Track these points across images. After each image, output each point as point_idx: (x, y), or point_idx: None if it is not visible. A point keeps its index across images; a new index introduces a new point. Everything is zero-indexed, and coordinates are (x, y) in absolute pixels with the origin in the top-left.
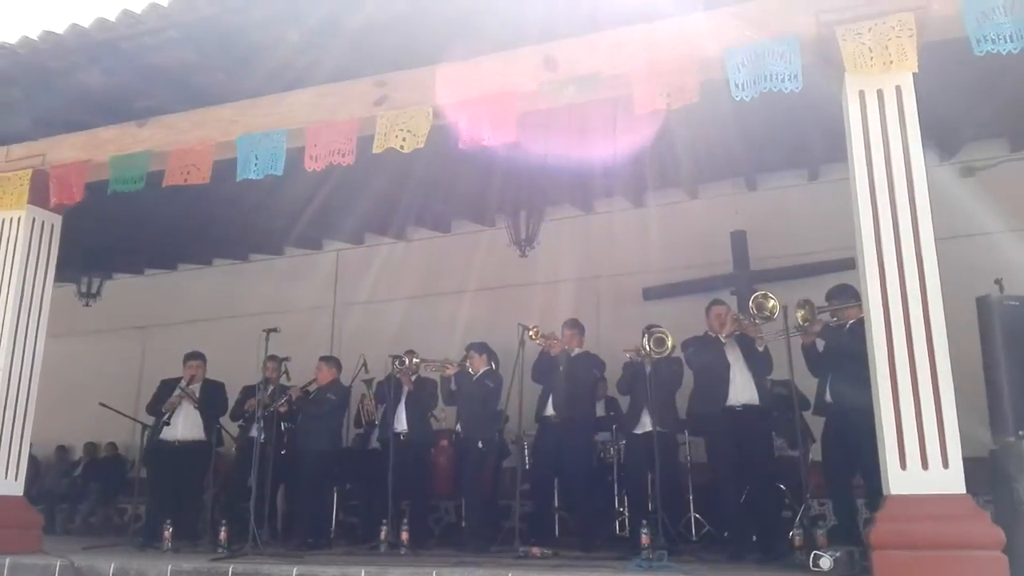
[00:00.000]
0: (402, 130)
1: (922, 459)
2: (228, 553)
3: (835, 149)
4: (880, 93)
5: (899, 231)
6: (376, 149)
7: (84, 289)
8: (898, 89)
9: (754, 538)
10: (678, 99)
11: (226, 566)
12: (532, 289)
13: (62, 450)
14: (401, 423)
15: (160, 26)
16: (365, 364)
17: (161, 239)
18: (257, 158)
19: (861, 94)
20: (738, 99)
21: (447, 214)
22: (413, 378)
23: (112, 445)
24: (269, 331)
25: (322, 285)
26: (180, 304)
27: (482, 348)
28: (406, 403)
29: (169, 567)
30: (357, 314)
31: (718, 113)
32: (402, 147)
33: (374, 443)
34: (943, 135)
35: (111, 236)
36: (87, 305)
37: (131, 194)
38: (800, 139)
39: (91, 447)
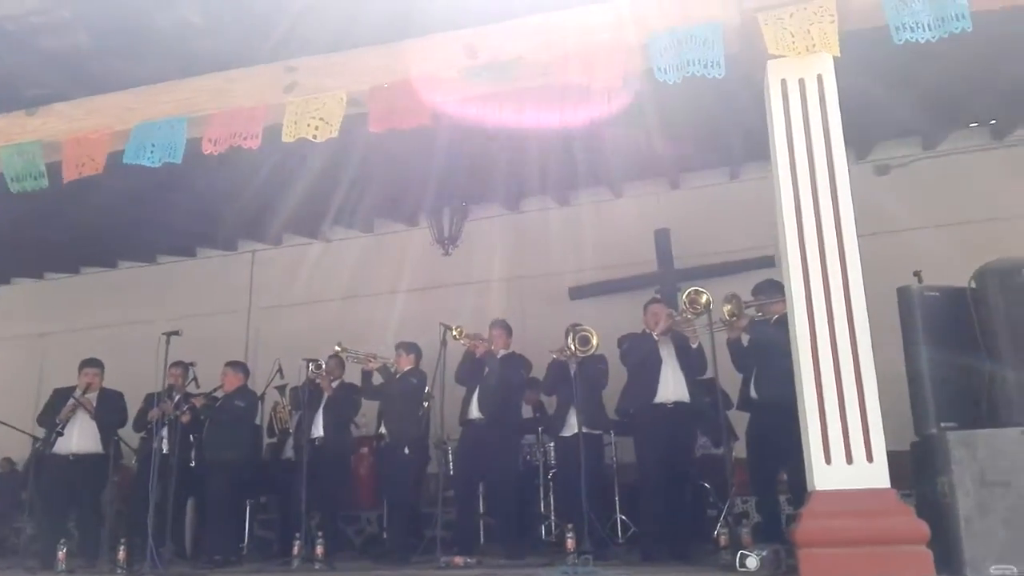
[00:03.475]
0: (314, 118)
1: (846, 453)
2: (126, 574)
3: (755, 149)
4: (802, 82)
5: (821, 222)
6: (286, 138)
7: None
8: (819, 78)
9: (678, 538)
10: (601, 82)
11: None
12: (458, 290)
13: None
14: (318, 429)
15: (48, 6)
16: (280, 370)
17: (61, 240)
18: (153, 145)
19: (783, 82)
20: (661, 81)
21: (369, 213)
22: (334, 384)
23: (8, 460)
24: (170, 334)
25: (236, 288)
26: (82, 309)
27: (411, 348)
28: (324, 409)
29: None
30: (274, 318)
31: (642, 112)
32: (315, 136)
33: (288, 452)
34: (857, 135)
35: (7, 237)
36: None
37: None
38: (721, 139)
39: None
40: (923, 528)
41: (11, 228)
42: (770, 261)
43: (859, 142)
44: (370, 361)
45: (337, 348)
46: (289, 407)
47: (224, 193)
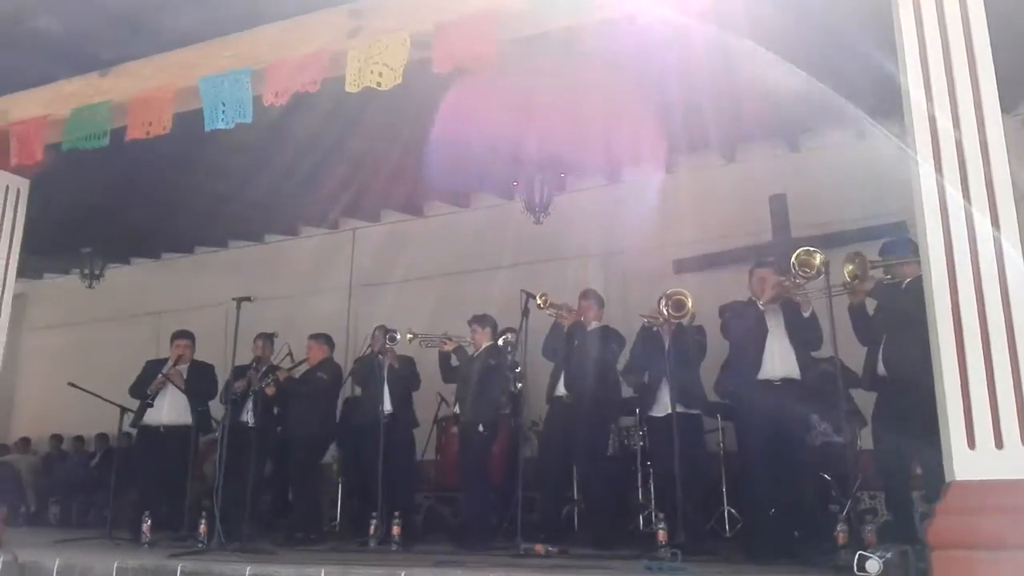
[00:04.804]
0: (377, 63)
1: (995, 436)
2: (203, 548)
3: (885, 103)
4: None
5: (964, 161)
6: (349, 87)
7: (86, 271)
8: None
9: (795, 534)
10: (691, 4)
11: (175, 564)
12: (556, 264)
13: (79, 441)
14: (387, 404)
15: None
16: (372, 345)
17: (175, 221)
18: (224, 105)
19: None
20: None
21: (466, 187)
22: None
23: (127, 435)
24: (240, 300)
25: (338, 266)
26: (195, 288)
27: (484, 321)
28: (388, 382)
29: (115, 564)
30: (373, 295)
31: (756, 67)
32: (378, 84)
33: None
34: (1003, 84)
35: (128, 221)
36: (90, 287)
37: (138, 176)
38: (848, 94)
39: (102, 438)
40: None
41: (130, 213)
42: (903, 228)
43: (1005, 92)
44: (445, 344)
45: (409, 336)
46: (354, 380)
47: (323, 171)
